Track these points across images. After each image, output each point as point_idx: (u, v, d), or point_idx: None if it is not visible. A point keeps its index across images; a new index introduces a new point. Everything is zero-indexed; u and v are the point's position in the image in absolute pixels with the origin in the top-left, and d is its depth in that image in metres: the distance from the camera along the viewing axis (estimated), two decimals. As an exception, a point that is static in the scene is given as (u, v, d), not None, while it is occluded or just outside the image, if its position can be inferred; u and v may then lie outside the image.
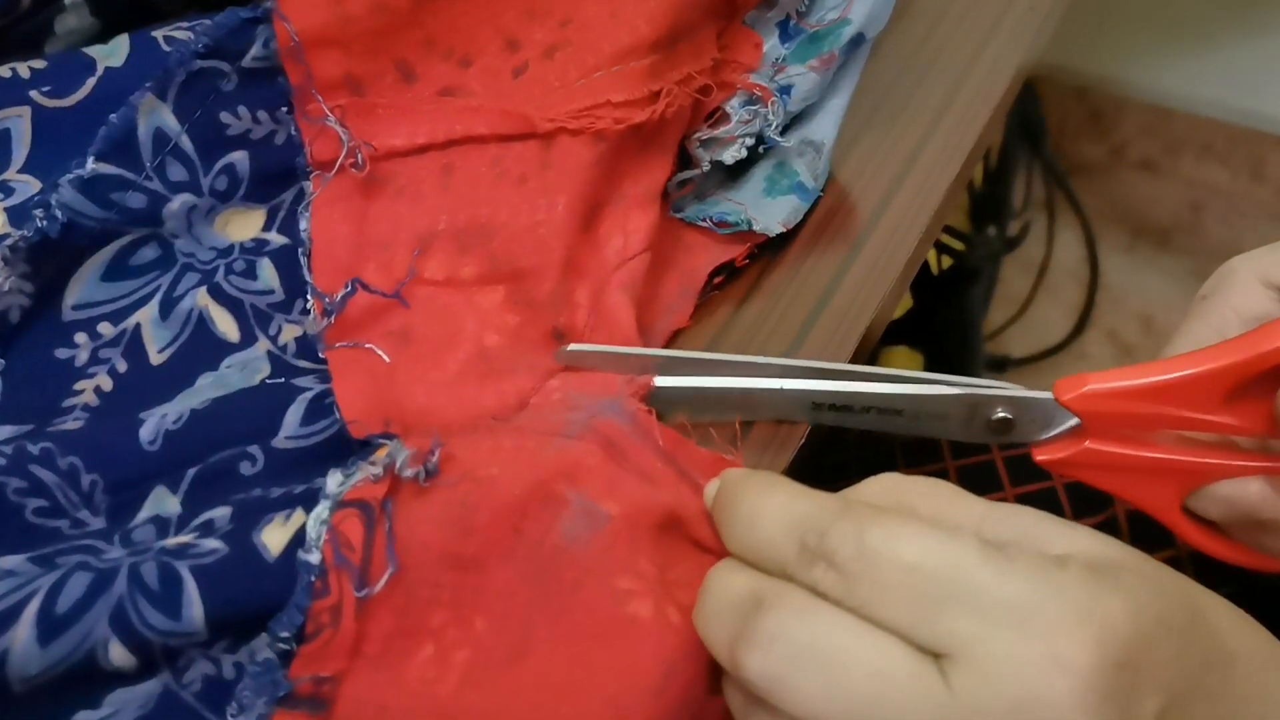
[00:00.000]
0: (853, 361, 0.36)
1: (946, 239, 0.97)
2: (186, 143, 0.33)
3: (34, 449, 0.29)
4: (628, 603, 0.28)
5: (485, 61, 0.36)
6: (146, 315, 0.33)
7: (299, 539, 0.27)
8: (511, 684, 0.27)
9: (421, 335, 0.33)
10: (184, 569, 0.26)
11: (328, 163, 0.34)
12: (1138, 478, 0.34)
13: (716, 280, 0.38)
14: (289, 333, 0.33)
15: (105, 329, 0.32)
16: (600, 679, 0.27)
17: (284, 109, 0.34)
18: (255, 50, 0.33)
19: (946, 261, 0.99)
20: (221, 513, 0.29)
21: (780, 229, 0.38)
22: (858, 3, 0.39)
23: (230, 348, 0.33)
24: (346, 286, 0.32)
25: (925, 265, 0.98)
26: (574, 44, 0.36)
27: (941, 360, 1.00)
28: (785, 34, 0.40)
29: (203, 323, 0.33)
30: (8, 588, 0.26)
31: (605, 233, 0.36)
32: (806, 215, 0.40)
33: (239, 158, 0.34)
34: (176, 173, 0.33)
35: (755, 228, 0.38)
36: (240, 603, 0.27)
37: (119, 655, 0.26)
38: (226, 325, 0.33)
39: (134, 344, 0.32)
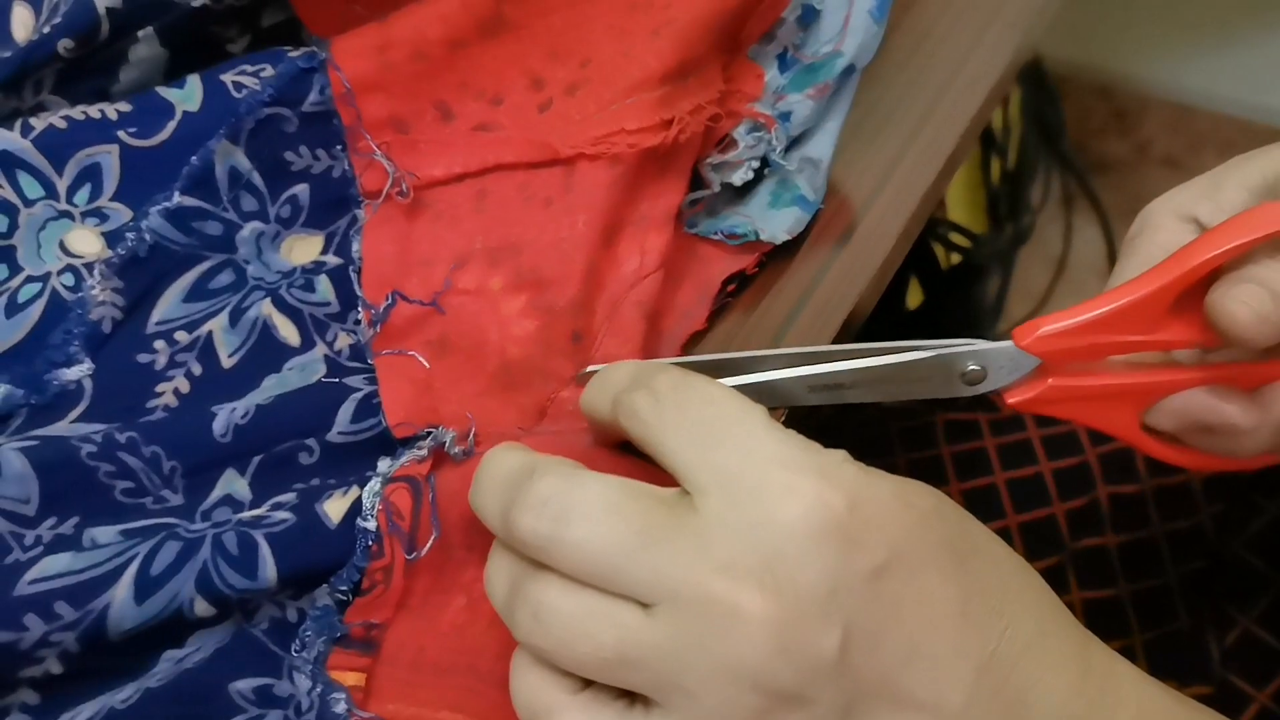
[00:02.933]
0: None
1: (955, 237, 1.01)
2: (257, 179, 0.39)
3: (121, 438, 0.34)
4: None
5: (514, 99, 0.40)
6: (218, 324, 0.38)
7: (356, 509, 0.33)
8: None
9: (456, 345, 0.38)
10: (259, 536, 0.32)
11: (376, 192, 0.39)
12: (1100, 405, 0.37)
13: (730, 288, 0.42)
14: (343, 340, 0.38)
15: (181, 336, 0.37)
16: None
17: (338, 146, 0.39)
18: (313, 96, 0.39)
19: (956, 258, 1.02)
20: (288, 498, 0.34)
21: (785, 237, 0.42)
22: (849, 37, 0.44)
23: (291, 351, 0.38)
24: (389, 298, 0.37)
25: (935, 261, 1.01)
26: (593, 81, 0.41)
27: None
28: (784, 65, 0.44)
29: (267, 329, 0.38)
30: (108, 554, 0.31)
31: (624, 251, 0.40)
32: (809, 224, 0.44)
33: (301, 189, 0.39)
34: (248, 204, 0.39)
35: (763, 237, 0.42)
36: (307, 563, 0.32)
37: (202, 609, 0.31)
38: (288, 331, 0.38)
39: (207, 349, 0.37)
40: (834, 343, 0.41)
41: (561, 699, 0.27)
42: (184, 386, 0.37)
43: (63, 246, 0.38)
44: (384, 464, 0.34)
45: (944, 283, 1.03)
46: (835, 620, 0.26)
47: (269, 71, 0.39)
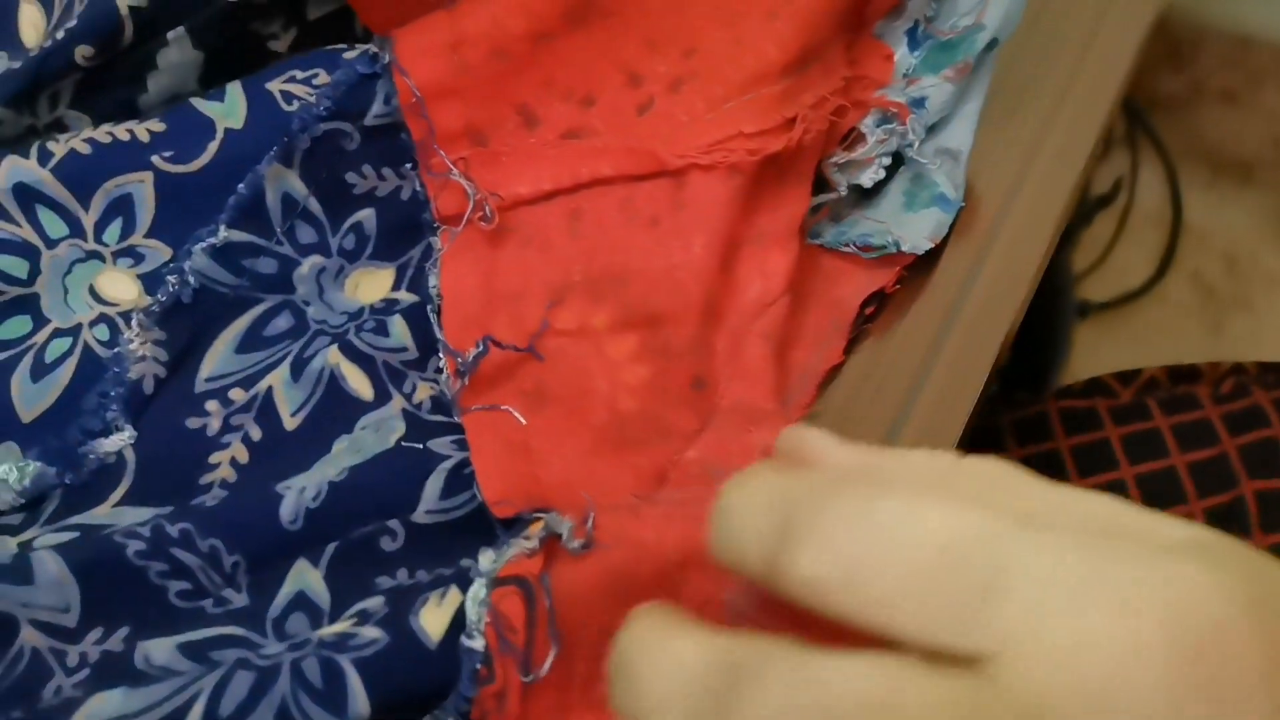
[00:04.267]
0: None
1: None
2: (315, 205, 0.33)
3: (173, 531, 0.29)
4: None
5: (608, 99, 0.34)
6: (278, 378, 0.32)
7: (459, 622, 0.27)
8: None
9: (555, 395, 0.32)
10: (346, 663, 0.26)
11: (454, 217, 0.34)
12: None
13: (868, 310, 0.36)
14: (423, 391, 0.33)
15: (237, 395, 0.32)
16: None
17: (408, 164, 0.34)
18: (376, 108, 0.33)
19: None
20: (374, 603, 0.28)
21: (929, 245, 0.36)
22: (992, 6, 0.37)
23: (364, 407, 0.32)
24: (478, 345, 0.31)
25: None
26: (700, 75, 0.34)
27: (1025, 358, 0.97)
28: (914, 42, 0.38)
29: (334, 381, 0.32)
30: (168, 691, 0.25)
31: (744, 276, 0.34)
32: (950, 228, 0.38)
33: (366, 216, 0.33)
34: (306, 235, 0.33)
35: (904, 248, 0.36)
36: (403, 693, 0.26)
37: None
38: (359, 383, 0.32)
39: (266, 408, 0.32)
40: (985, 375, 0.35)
41: None
42: (242, 455, 0.31)
43: (93, 293, 0.32)
44: (486, 559, 0.28)
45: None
46: None
47: (323, 78, 0.33)
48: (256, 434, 0.31)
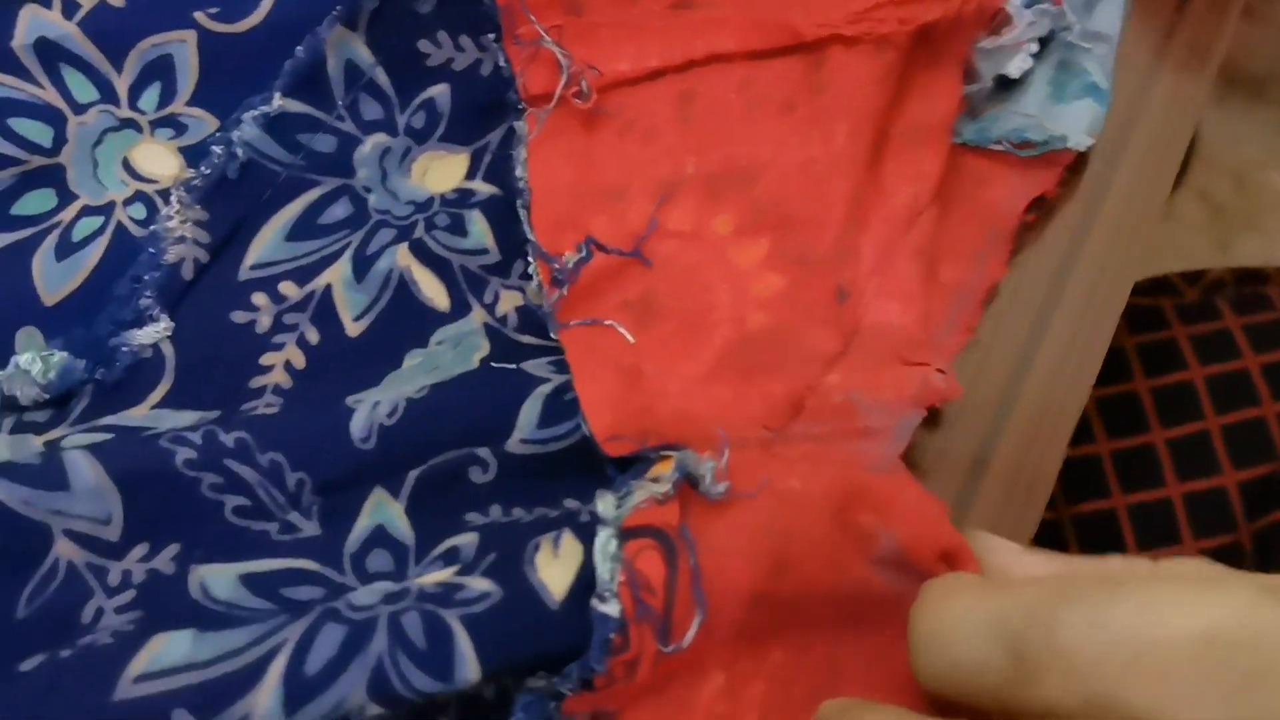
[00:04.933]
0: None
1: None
2: (382, 76, 0.29)
3: (227, 440, 0.25)
4: None
5: None
6: (337, 276, 0.28)
7: (585, 577, 0.23)
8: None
9: (667, 308, 0.28)
10: (453, 620, 0.23)
11: (543, 96, 0.29)
12: None
13: (1029, 218, 0.32)
14: (508, 301, 0.29)
15: (289, 290, 0.28)
16: None
17: (490, 34, 0.30)
18: None
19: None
20: (467, 540, 0.25)
21: (1089, 140, 0.32)
22: None
23: (439, 318, 0.28)
24: (579, 249, 0.28)
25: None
26: None
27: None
28: None
29: (404, 286, 0.28)
30: (247, 638, 0.22)
31: (892, 177, 0.30)
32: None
33: (439, 91, 0.30)
34: (370, 110, 0.29)
35: (1070, 144, 0.32)
36: (519, 658, 0.23)
37: (373, 713, 0.22)
38: (433, 290, 0.29)
39: (324, 309, 0.28)
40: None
41: None
42: (298, 360, 0.28)
43: (128, 167, 0.28)
44: (606, 504, 0.24)
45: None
46: None
47: None
48: (314, 337, 0.28)
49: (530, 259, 0.29)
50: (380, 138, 0.29)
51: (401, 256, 0.29)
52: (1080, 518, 0.47)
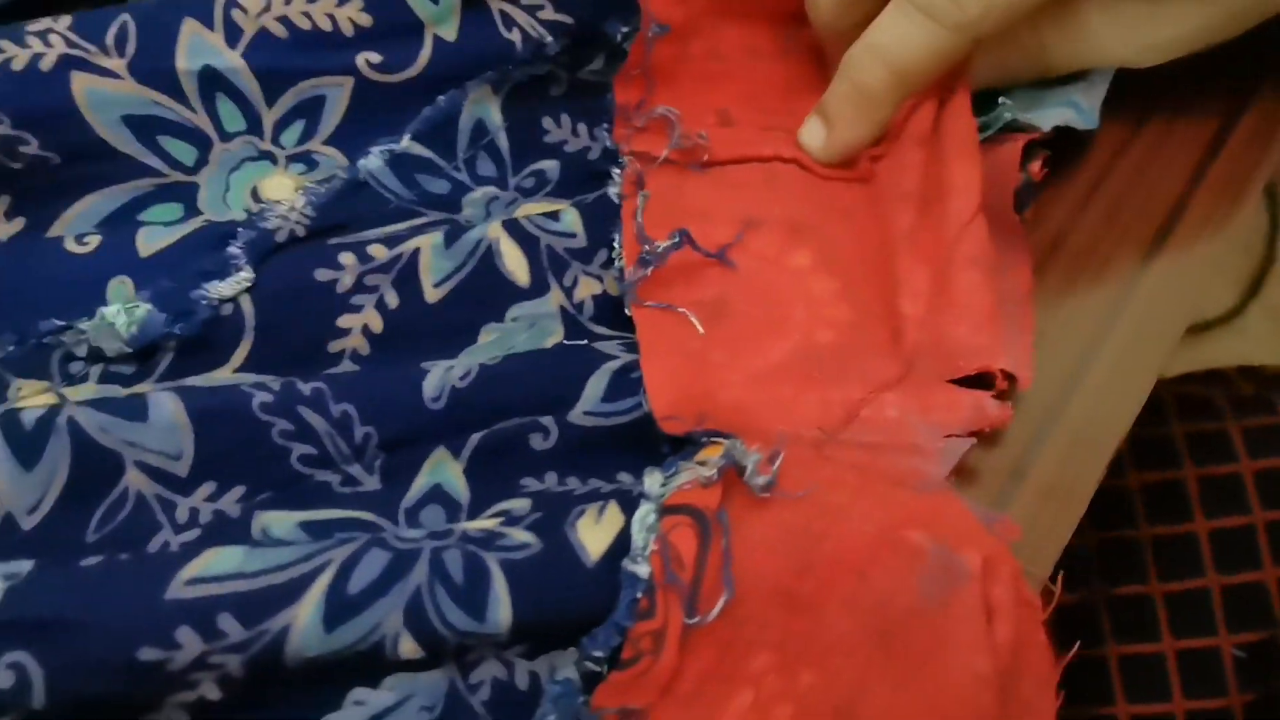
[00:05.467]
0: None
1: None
2: (503, 140, 0.31)
3: (305, 389, 0.26)
4: (982, 692, 0.23)
5: (804, 110, 0.32)
6: (428, 242, 0.29)
7: (621, 544, 0.24)
8: None
9: (740, 312, 0.29)
10: (493, 563, 0.23)
11: (645, 155, 0.31)
12: None
13: (1028, 215, 0.32)
14: (586, 288, 0.30)
15: (377, 251, 0.29)
16: None
17: (604, 124, 0.32)
18: (595, 64, 0.32)
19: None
20: (519, 505, 0.25)
21: (1055, 123, 0.32)
22: None
23: (518, 293, 0.29)
24: (673, 236, 0.28)
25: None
26: None
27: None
28: None
29: (489, 256, 0.29)
30: (295, 555, 0.23)
31: (936, 200, 0.31)
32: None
33: (550, 165, 0.32)
34: (485, 168, 0.31)
35: (1022, 120, 0.31)
36: (551, 609, 0.23)
37: (409, 650, 0.23)
38: (516, 264, 0.30)
39: (408, 273, 0.29)
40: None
41: None
42: (376, 324, 0.29)
43: (255, 195, 0.30)
44: (653, 480, 0.25)
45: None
46: None
47: (548, 13, 0.31)
48: (393, 300, 0.29)
49: (615, 247, 0.29)
50: (490, 189, 0.31)
51: (493, 230, 0.30)
52: (1116, 599, 0.46)
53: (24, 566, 0.22)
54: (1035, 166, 0.31)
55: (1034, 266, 0.32)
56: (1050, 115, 0.32)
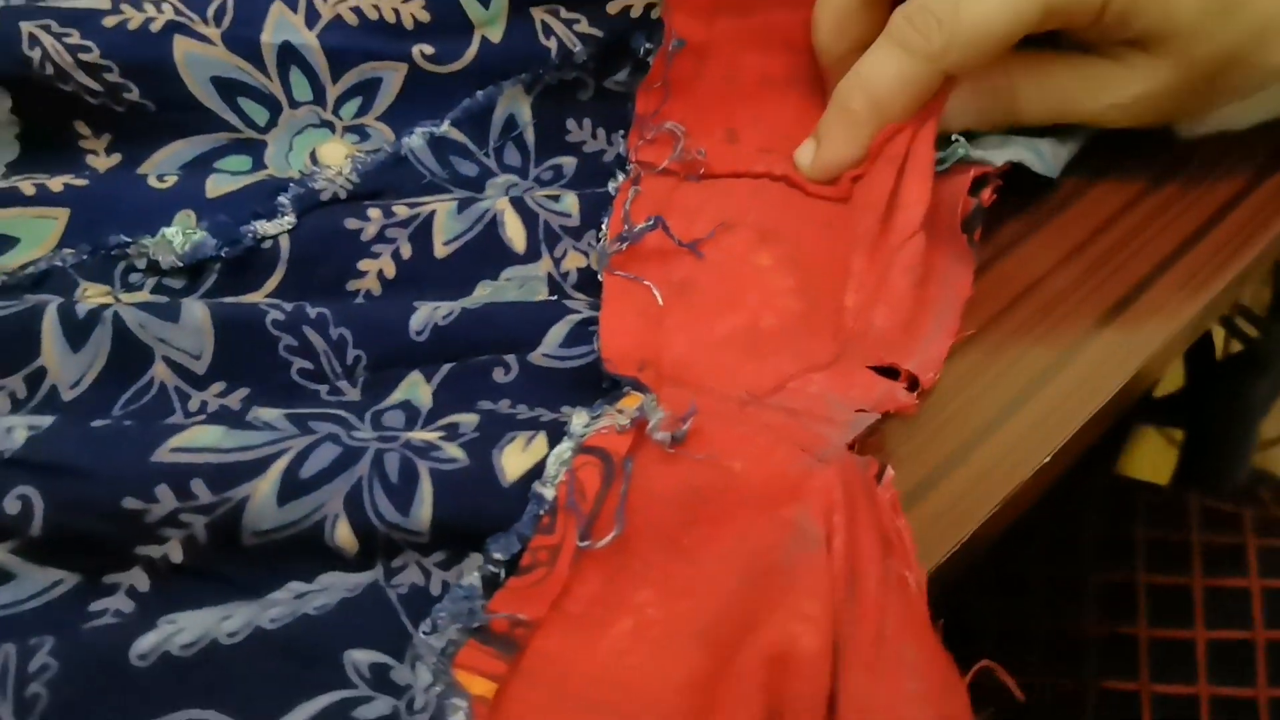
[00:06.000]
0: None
1: (1241, 322, 0.89)
2: (530, 135, 0.36)
3: (311, 312, 0.30)
4: (798, 624, 0.26)
5: (804, 134, 0.36)
6: (444, 207, 0.33)
7: (536, 471, 0.27)
8: (691, 664, 0.26)
9: (701, 291, 0.32)
10: (424, 469, 0.27)
11: (649, 164, 0.35)
12: None
13: (977, 236, 0.34)
14: (572, 260, 0.33)
15: (400, 210, 0.33)
16: (758, 695, 0.26)
17: (621, 131, 0.36)
18: (620, 75, 0.36)
19: (1236, 346, 0.91)
20: (468, 419, 0.29)
21: (999, 163, 0.34)
22: None
23: (513, 257, 0.33)
24: (649, 220, 0.32)
25: (1209, 345, 0.90)
26: None
27: (1200, 453, 0.92)
28: None
29: (494, 225, 0.33)
30: (262, 439, 0.27)
31: (892, 214, 0.34)
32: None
33: (568, 162, 0.36)
34: (511, 157, 0.35)
35: (972, 155, 0.34)
36: (466, 516, 0.26)
37: (344, 535, 0.26)
38: (515, 233, 0.33)
39: (424, 230, 0.33)
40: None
41: None
42: (389, 270, 0.33)
43: (313, 157, 0.34)
44: (578, 420, 0.28)
45: (1215, 372, 0.92)
46: None
47: (583, 26, 0.35)
48: (407, 251, 0.33)
49: (602, 229, 0.33)
50: (512, 177, 0.35)
51: (500, 203, 0.33)
52: (1106, 692, 0.47)
53: (46, 420, 0.27)
54: (985, 193, 0.34)
55: (1003, 303, 0.34)
56: (1005, 154, 0.34)
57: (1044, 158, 0.35)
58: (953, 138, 0.34)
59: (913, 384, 0.31)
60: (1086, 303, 0.35)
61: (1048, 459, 0.31)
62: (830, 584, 0.26)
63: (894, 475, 0.28)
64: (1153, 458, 1.06)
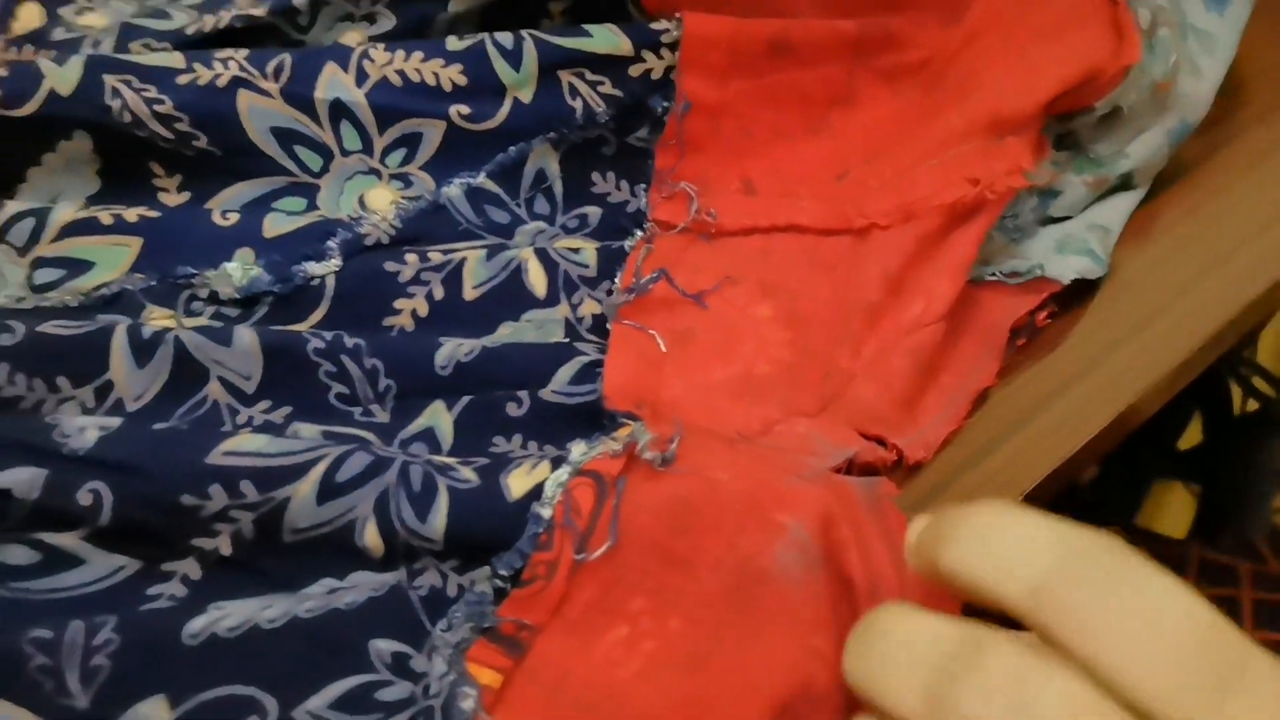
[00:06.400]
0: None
1: (1259, 382, 0.92)
2: (558, 188, 0.39)
3: (349, 343, 0.34)
4: (812, 663, 0.29)
5: (816, 176, 0.40)
6: (474, 255, 0.37)
7: (537, 492, 0.31)
8: (683, 689, 0.29)
9: (701, 341, 0.36)
10: (442, 485, 0.30)
11: (667, 224, 0.39)
12: None
13: (1020, 343, 0.39)
14: (588, 307, 0.37)
15: (435, 256, 0.37)
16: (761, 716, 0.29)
17: (642, 185, 0.40)
18: (640, 133, 0.40)
19: (1253, 405, 0.93)
20: (479, 459, 0.32)
21: (1074, 275, 0.39)
22: (1138, 146, 0.42)
23: (534, 301, 0.37)
24: (655, 274, 0.36)
25: (1227, 401, 0.92)
26: (893, 149, 0.39)
27: (1216, 509, 0.94)
28: (1060, 144, 0.42)
29: (518, 272, 0.37)
30: (301, 447, 0.30)
31: (909, 296, 0.37)
32: (1096, 288, 0.41)
33: (593, 211, 0.40)
34: (541, 207, 0.39)
35: (1047, 272, 0.39)
36: (475, 529, 0.30)
37: (371, 536, 0.30)
38: (537, 280, 0.37)
39: (455, 274, 0.37)
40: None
41: None
42: (422, 309, 0.36)
43: (361, 201, 0.38)
44: (577, 450, 0.32)
45: (1231, 428, 0.94)
46: None
47: (607, 88, 0.39)
48: (439, 293, 0.36)
49: (616, 279, 0.37)
50: (541, 224, 0.39)
51: (525, 253, 0.37)
52: None
53: (115, 422, 0.31)
54: (1041, 316, 0.39)
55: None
56: (1071, 269, 0.39)
57: (1100, 260, 0.40)
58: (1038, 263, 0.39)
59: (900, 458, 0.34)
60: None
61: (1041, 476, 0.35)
62: (834, 610, 0.29)
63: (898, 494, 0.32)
64: (1176, 510, 1.07)
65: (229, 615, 0.29)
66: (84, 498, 0.29)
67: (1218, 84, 0.44)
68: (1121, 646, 0.21)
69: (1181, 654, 0.21)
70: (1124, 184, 0.43)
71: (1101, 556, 0.22)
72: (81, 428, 0.30)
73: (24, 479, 0.29)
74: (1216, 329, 0.40)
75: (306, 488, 0.30)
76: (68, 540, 0.30)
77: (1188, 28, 0.44)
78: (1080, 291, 0.41)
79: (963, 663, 0.22)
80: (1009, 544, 0.23)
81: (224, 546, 0.30)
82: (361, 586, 0.30)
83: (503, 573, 0.30)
